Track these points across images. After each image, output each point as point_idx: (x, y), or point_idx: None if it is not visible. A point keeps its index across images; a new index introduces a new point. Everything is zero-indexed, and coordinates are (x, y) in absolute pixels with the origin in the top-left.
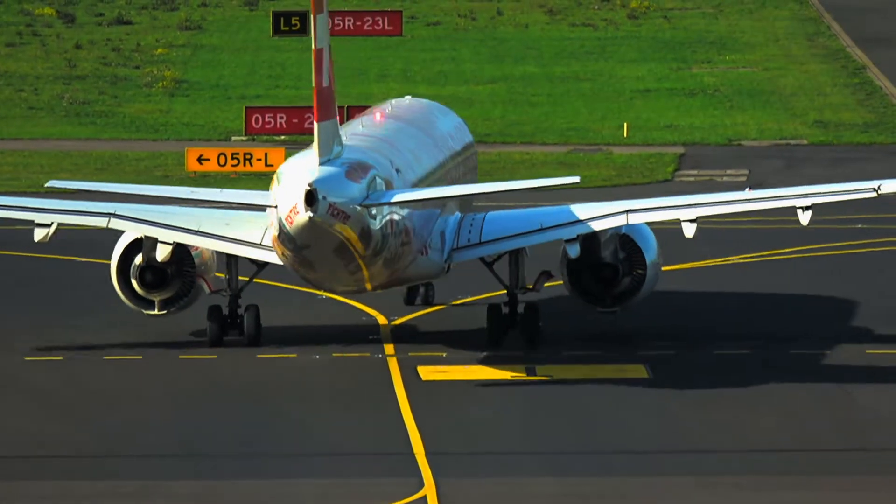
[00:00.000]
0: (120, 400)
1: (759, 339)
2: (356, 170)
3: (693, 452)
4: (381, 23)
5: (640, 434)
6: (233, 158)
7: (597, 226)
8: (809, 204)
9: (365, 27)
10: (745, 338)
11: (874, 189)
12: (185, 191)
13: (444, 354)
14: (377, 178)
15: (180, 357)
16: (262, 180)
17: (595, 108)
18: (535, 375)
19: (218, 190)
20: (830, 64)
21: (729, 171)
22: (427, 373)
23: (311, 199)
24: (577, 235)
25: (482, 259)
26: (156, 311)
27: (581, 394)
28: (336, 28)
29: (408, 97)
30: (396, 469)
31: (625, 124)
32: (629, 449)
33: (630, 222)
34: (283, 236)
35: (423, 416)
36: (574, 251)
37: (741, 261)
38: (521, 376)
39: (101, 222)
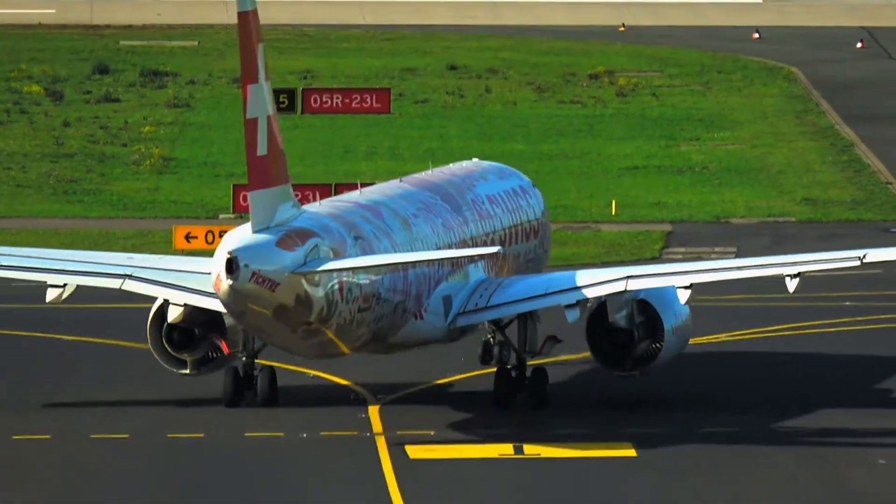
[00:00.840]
0: (108, 481)
1: (746, 415)
2: (292, 237)
3: None
4: (369, 100)
5: None
6: (220, 236)
7: (598, 291)
8: (797, 272)
9: (353, 105)
10: (731, 413)
11: (859, 258)
12: (123, 257)
13: (433, 433)
14: (320, 245)
15: (168, 436)
16: None
17: (583, 185)
18: (523, 454)
19: (157, 256)
20: (819, 141)
21: (717, 249)
22: (415, 451)
23: (231, 267)
24: (577, 301)
25: (496, 323)
26: (188, 371)
27: (568, 473)
28: (324, 105)
29: (474, 159)
30: None
31: (613, 202)
32: None
33: (629, 288)
34: (222, 304)
35: (411, 495)
36: (572, 316)
37: (729, 338)
38: (510, 454)
39: (115, 283)
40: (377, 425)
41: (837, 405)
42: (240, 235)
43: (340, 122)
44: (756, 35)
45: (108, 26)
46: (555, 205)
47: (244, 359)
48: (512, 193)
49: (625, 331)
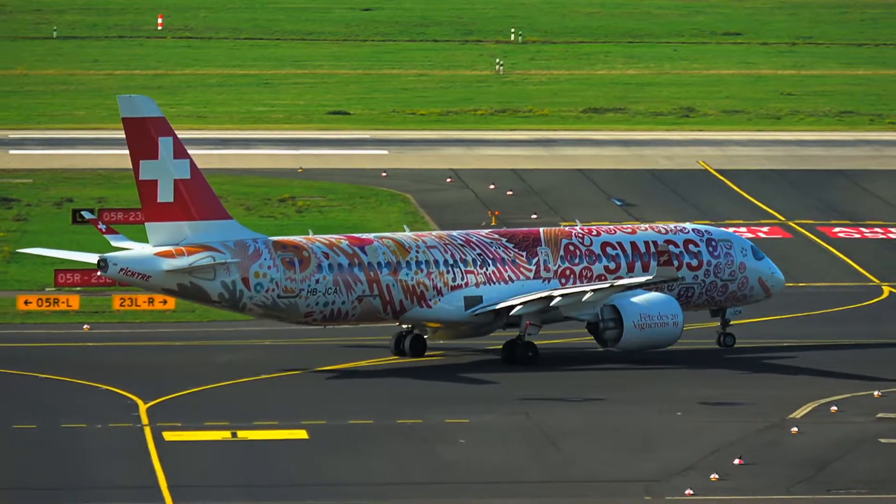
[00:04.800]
0: None
1: (375, 412)
2: (182, 251)
3: (331, 484)
4: (139, 216)
5: (298, 472)
6: (47, 302)
7: (533, 297)
8: (592, 289)
9: (131, 218)
10: (362, 413)
11: (612, 283)
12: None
13: (180, 424)
14: (216, 257)
15: (12, 426)
16: (64, 315)
17: None
18: (237, 437)
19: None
20: None
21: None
22: (169, 436)
23: (99, 265)
24: (521, 303)
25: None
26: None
27: (261, 450)
28: (114, 219)
29: (685, 224)
30: (147, 497)
31: None
32: (293, 483)
33: (553, 295)
34: None
35: (168, 463)
36: (517, 310)
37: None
38: (229, 437)
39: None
40: (145, 419)
41: (445, 408)
42: (133, 248)
43: (125, 229)
44: (384, 174)
45: None
46: None
47: (404, 327)
48: (665, 243)
49: (592, 323)
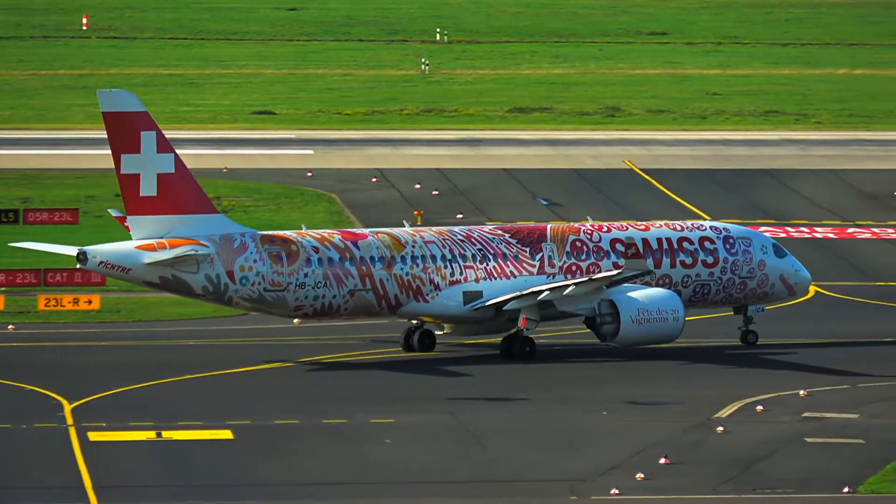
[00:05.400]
0: None
1: (304, 413)
2: (164, 244)
3: (257, 485)
4: (65, 216)
5: (224, 472)
6: None
7: (523, 291)
8: (573, 283)
9: (55, 218)
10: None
11: (590, 278)
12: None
13: (104, 424)
14: (198, 250)
15: None
16: None
17: None
18: (162, 437)
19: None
20: None
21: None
22: (94, 436)
23: (79, 258)
24: (511, 297)
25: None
26: (446, 331)
27: (188, 449)
28: (38, 219)
29: (704, 222)
30: (72, 498)
31: None
32: (218, 483)
33: (542, 289)
34: None
35: (93, 464)
36: (511, 305)
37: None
38: (153, 437)
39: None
40: (70, 419)
41: (373, 404)
42: (116, 243)
43: (50, 229)
44: (309, 174)
45: None
46: None
47: (413, 322)
48: (680, 240)
49: (589, 318)
